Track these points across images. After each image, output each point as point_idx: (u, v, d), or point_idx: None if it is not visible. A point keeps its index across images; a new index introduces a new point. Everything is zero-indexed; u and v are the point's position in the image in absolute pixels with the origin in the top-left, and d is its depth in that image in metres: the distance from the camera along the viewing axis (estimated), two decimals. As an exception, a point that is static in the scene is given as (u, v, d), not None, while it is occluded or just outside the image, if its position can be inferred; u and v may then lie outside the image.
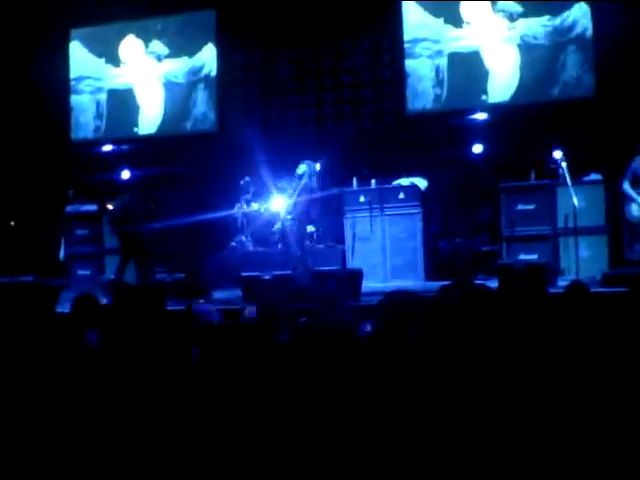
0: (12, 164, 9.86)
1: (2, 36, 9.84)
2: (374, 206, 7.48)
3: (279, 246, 7.13)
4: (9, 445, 2.22)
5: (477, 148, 8.42)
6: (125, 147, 9.72)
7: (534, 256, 7.07)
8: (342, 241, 7.71)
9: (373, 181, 7.81)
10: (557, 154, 6.92)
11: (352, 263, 7.42)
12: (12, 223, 9.68)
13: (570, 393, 2.72)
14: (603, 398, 2.63)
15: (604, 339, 3.29)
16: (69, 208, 8.86)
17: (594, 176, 7.20)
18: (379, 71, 9.44)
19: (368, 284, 6.72)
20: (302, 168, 6.93)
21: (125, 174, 8.52)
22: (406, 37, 9.12)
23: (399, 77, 9.18)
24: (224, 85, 9.90)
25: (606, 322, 3.66)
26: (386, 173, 7.93)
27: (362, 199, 7.58)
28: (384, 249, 7.48)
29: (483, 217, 8.09)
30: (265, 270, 6.80)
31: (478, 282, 5.55)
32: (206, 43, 9.90)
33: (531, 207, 7.23)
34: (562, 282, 5.95)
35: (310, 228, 7.58)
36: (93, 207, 8.69)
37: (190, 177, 9.08)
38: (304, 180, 6.91)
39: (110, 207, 7.61)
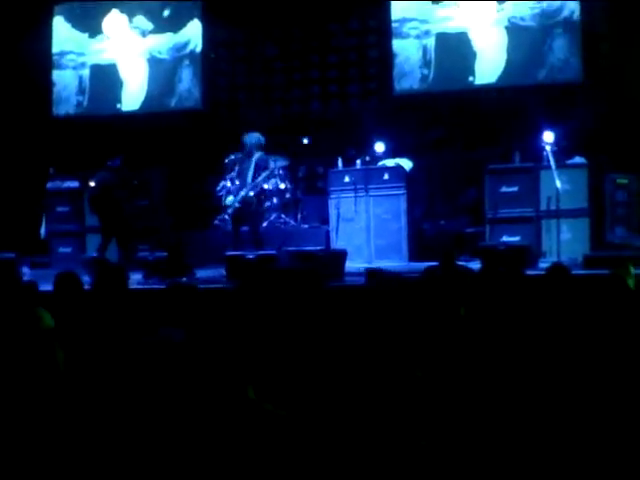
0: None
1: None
2: (359, 186, 7.46)
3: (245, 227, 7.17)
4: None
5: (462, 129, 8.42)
6: (108, 123, 9.57)
7: (517, 238, 7.11)
8: (327, 221, 7.69)
9: (358, 161, 7.78)
10: (547, 136, 6.95)
11: (336, 243, 7.42)
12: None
13: (550, 372, 2.74)
14: (583, 378, 2.66)
15: (584, 320, 3.32)
16: (50, 185, 8.74)
17: (578, 159, 7.23)
18: (366, 51, 9.37)
19: (352, 264, 6.73)
20: (252, 138, 6.97)
21: (107, 150, 8.41)
22: (394, 17, 9.05)
23: (386, 57, 9.13)
24: (209, 62, 9.77)
25: (586, 303, 3.70)
26: (372, 154, 7.91)
27: (347, 179, 7.56)
28: (368, 229, 7.48)
29: (467, 199, 8.11)
30: (247, 249, 6.79)
31: (461, 263, 5.59)
32: (191, 19, 9.76)
33: (515, 189, 7.25)
34: (543, 264, 5.98)
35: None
36: (75, 184, 8.57)
37: (174, 154, 8.99)
38: (256, 155, 6.95)
39: (92, 184, 7.52)
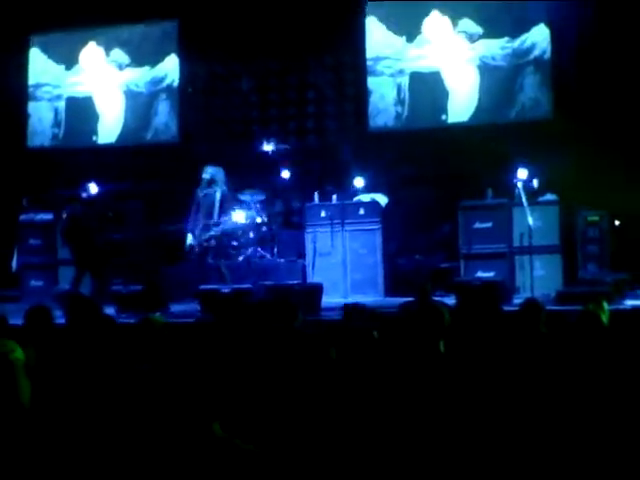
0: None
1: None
2: (335, 221, 7.50)
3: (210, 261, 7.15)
4: None
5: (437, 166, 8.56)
6: (83, 156, 9.53)
7: (491, 274, 7.18)
8: (303, 256, 7.70)
9: (334, 196, 7.84)
10: (521, 173, 7.10)
11: (312, 278, 7.41)
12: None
13: (523, 404, 2.76)
14: (558, 412, 2.68)
15: (559, 356, 3.36)
16: (23, 217, 8.62)
17: (549, 196, 7.38)
18: (342, 88, 9.52)
19: (328, 299, 6.72)
20: (209, 172, 7.01)
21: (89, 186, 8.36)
22: (369, 55, 9.24)
23: (361, 94, 9.28)
24: (186, 96, 9.83)
25: (560, 339, 3.74)
26: (347, 189, 7.98)
27: (323, 214, 7.60)
28: (344, 264, 7.49)
29: (442, 234, 8.20)
30: (225, 283, 6.75)
31: (436, 299, 5.61)
32: (169, 53, 9.84)
33: (488, 225, 7.36)
34: (517, 300, 6.05)
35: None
36: (48, 216, 8.46)
37: (150, 187, 8.95)
38: (218, 189, 6.99)
39: (65, 216, 7.44)
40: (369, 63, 9.23)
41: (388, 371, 3.02)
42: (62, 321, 4.46)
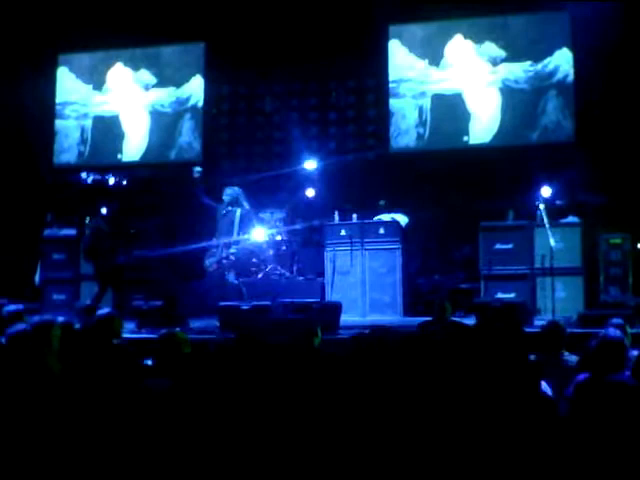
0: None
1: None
2: (355, 240, 7.51)
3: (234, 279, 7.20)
4: None
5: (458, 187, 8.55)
6: (108, 173, 9.69)
7: (511, 295, 7.12)
8: (322, 274, 7.70)
9: (355, 215, 7.86)
10: (545, 191, 7.08)
11: (331, 296, 7.41)
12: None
13: (543, 429, 2.72)
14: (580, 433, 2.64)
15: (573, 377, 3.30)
16: (47, 232, 8.76)
17: (571, 218, 7.32)
18: (364, 109, 9.60)
19: (347, 318, 6.71)
20: (229, 193, 7.08)
21: (106, 199, 8.48)
22: (391, 77, 9.31)
23: (383, 116, 9.34)
24: (210, 116, 9.98)
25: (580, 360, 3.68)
26: (368, 208, 8.00)
27: (343, 233, 7.62)
28: (363, 283, 7.48)
29: (462, 255, 8.16)
30: (244, 300, 6.77)
31: (455, 319, 5.57)
32: (194, 74, 10.01)
33: (509, 246, 7.31)
34: (538, 321, 5.98)
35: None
36: (72, 231, 8.59)
37: (172, 205, 9.06)
38: (238, 208, 7.05)
39: (87, 232, 7.55)
40: (391, 85, 9.30)
41: (407, 390, 2.99)
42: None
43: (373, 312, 7.33)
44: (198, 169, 7.21)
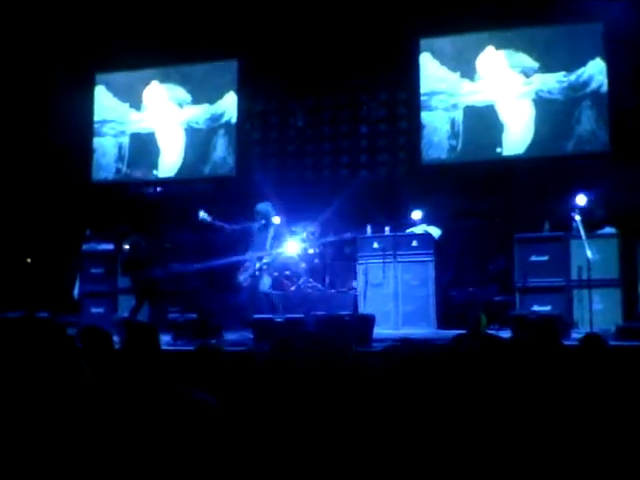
0: (32, 202, 10.05)
1: (30, 78, 10.17)
2: (387, 253, 7.52)
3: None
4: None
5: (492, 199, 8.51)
6: (146, 189, 9.91)
7: (547, 307, 7.02)
8: (355, 287, 7.71)
9: (387, 228, 7.87)
10: (580, 199, 7.00)
11: (364, 309, 7.41)
12: (29, 260, 9.80)
13: (583, 445, 2.68)
14: (617, 452, 2.59)
15: (619, 392, 3.24)
16: (85, 247, 8.97)
17: (608, 229, 7.21)
18: (396, 122, 9.62)
19: (379, 330, 6.70)
20: (260, 209, 7.15)
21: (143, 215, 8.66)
22: (423, 90, 9.32)
23: (415, 128, 9.35)
24: (243, 132, 10.13)
25: (621, 375, 3.61)
26: (400, 221, 8.01)
27: (376, 245, 7.63)
28: (396, 296, 7.47)
29: (496, 267, 8.09)
30: (277, 313, 6.83)
31: (491, 332, 5.52)
32: (227, 91, 10.18)
33: (545, 258, 7.23)
34: (576, 334, 5.89)
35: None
36: (109, 246, 8.78)
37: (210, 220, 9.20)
38: (271, 223, 7.11)
39: (126, 247, 7.72)
40: (423, 98, 9.31)
41: (441, 405, 2.98)
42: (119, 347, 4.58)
43: (406, 325, 7.31)
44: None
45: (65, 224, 9.84)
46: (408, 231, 7.82)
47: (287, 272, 7.66)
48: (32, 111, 10.29)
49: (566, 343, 5.61)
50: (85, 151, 10.70)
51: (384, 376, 3.42)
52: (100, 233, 9.09)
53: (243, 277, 7.18)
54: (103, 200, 10.05)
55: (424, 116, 9.30)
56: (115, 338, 4.57)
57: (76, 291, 8.73)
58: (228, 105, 10.18)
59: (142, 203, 9.29)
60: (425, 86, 9.32)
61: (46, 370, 2.99)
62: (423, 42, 9.34)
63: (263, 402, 2.82)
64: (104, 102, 10.77)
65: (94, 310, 8.53)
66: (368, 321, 6.52)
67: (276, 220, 7.44)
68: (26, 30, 9.69)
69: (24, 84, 10.09)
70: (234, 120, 10.13)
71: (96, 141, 10.76)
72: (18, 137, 10.17)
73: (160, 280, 7.34)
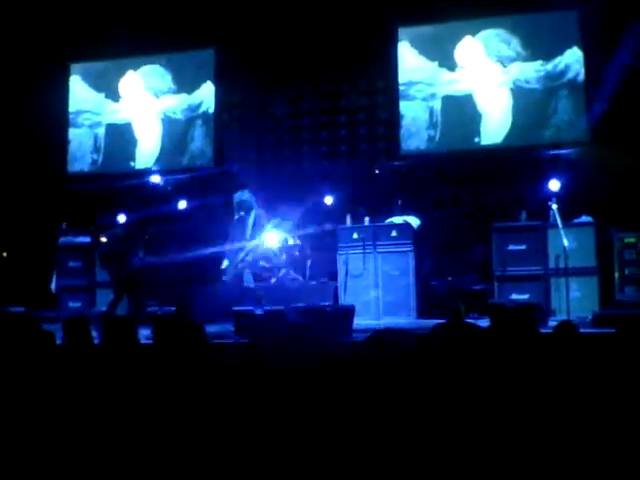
0: (7, 195, 9.89)
1: (3, 68, 9.97)
2: (367, 243, 7.52)
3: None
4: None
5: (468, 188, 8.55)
6: (121, 180, 9.78)
7: (525, 296, 7.10)
8: (335, 277, 7.72)
9: (367, 218, 7.87)
10: (553, 185, 7.06)
11: (344, 299, 7.42)
12: (4, 254, 9.66)
13: (556, 432, 2.71)
14: (589, 438, 2.63)
15: (592, 379, 3.29)
16: (62, 240, 8.85)
17: (585, 218, 7.29)
18: (374, 112, 9.61)
19: (360, 321, 6.72)
20: (239, 197, 7.11)
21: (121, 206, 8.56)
22: (401, 80, 9.31)
23: (394, 118, 9.35)
24: (221, 122, 10.04)
25: (595, 363, 3.66)
26: (379, 211, 8.01)
27: (355, 236, 7.63)
28: (376, 286, 7.49)
29: (474, 256, 8.14)
30: (257, 305, 6.80)
31: (469, 321, 5.56)
32: (205, 81, 10.08)
33: (522, 247, 7.29)
34: (553, 322, 5.95)
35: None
36: (86, 239, 8.68)
37: (185, 211, 9.13)
38: (250, 213, 7.09)
39: (103, 239, 7.64)
40: (401, 88, 9.30)
41: (421, 393, 2.99)
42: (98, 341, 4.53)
43: (387, 315, 7.33)
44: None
45: (41, 217, 9.71)
46: (387, 221, 7.83)
47: (267, 264, 7.63)
48: (5, 102, 10.10)
49: (543, 331, 5.69)
50: (60, 142, 10.53)
51: (365, 366, 3.43)
52: (77, 225, 8.98)
53: (225, 267, 7.16)
54: (78, 192, 9.91)
55: (403, 106, 9.29)
56: (94, 333, 4.53)
57: (53, 285, 8.63)
58: (206, 95, 10.08)
59: (118, 194, 9.18)
60: (403, 75, 9.31)
61: (19, 365, 2.95)
62: (401, 31, 9.32)
63: (246, 396, 2.81)
64: (79, 92, 10.60)
65: (72, 304, 8.44)
66: (348, 312, 6.53)
67: (256, 209, 7.41)
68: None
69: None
70: (212, 110, 10.03)
71: (71, 132, 10.60)
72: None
73: (139, 273, 7.28)
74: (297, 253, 7.87)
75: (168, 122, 10.22)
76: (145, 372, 3.72)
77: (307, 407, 2.95)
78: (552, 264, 7.05)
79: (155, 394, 2.93)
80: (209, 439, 2.17)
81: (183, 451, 2.18)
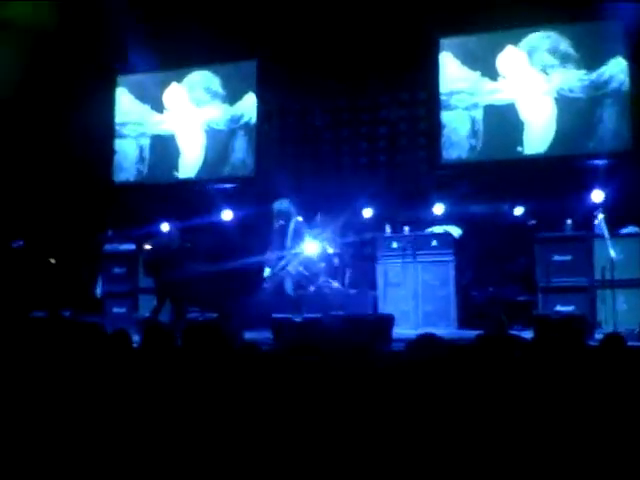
0: (55, 203, 10.17)
1: (51, 80, 10.29)
2: (407, 252, 7.49)
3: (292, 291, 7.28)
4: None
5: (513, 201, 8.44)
6: (165, 190, 9.98)
7: (571, 308, 6.94)
8: (374, 286, 7.70)
9: (406, 228, 7.84)
10: (596, 196, 6.91)
11: (384, 309, 7.39)
12: (53, 260, 9.92)
13: (602, 444, 2.64)
14: (635, 451, 2.55)
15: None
16: (107, 247, 9.06)
17: (631, 229, 7.11)
18: (415, 122, 9.59)
19: (399, 330, 6.67)
20: (279, 205, 7.13)
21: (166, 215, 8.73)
22: (443, 90, 9.27)
23: (435, 128, 9.30)
24: (262, 132, 10.16)
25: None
26: (420, 220, 7.97)
27: (395, 245, 7.60)
28: (416, 296, 7.44)
29: (517, 267, 8.01)
30: (297, 312, 6.83)
31: (513, 333, 5.46)
32: (247, 92, 10.21)
33: (567, 258, 7.14)
34: (599, 335, 5.81)
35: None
36: (131, 247, 8.87)
37: (227, 220, 9.24)
38: (290, 221, 7.10)
39: (147, 247, 7.78)
40: (443, 97, 9.26)
41: (464, 403, 2.96)
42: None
43: (426, 325, 7.26)
44: None
45: (87, 225, 9.95)
46: (428, 231, 7.78)
47: (306, 272, 7.66)
48: (54, 113, 10.41)
49: (590, 343, 5.55)
50: (107, 153, 10.80)
51: (407, 374, 3.40)
52: (122, 233, 9.19)
53: (266, 275, 7.21)
54: (124, 201, 10.14)
55: (444, 115, 9.24)
56: (135, 337, 4.60)
57: (98, 291, 8.83)
58: (248, 106, 10.21)
59: (161, 204, 9.36)
60: (445, 85, 9.26)
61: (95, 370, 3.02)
62: (443, 41, 9.29)
63: (285, 401, 2.83)
64: (125, 104, 10.87)
65: (116, 310, 8.62)
66: (388, 321, 6.50)
67: (295, 218, 7.46)
68: (49, 34, 9.81)
69: (47, 87, 10.21)
70: (253, 121, 10.16)
71: (117, 143, 10.85)
72: (41, 140, 10.30)
73: (182, 280, 7.38)
74: (336, 261, 7.88)
75: (211, 133, 10.39)
76: (178, 376, 3.76)
77: (348, 414, 2.94)
78: (598, 275, 6.89)
79: (186, 396, 2.96)
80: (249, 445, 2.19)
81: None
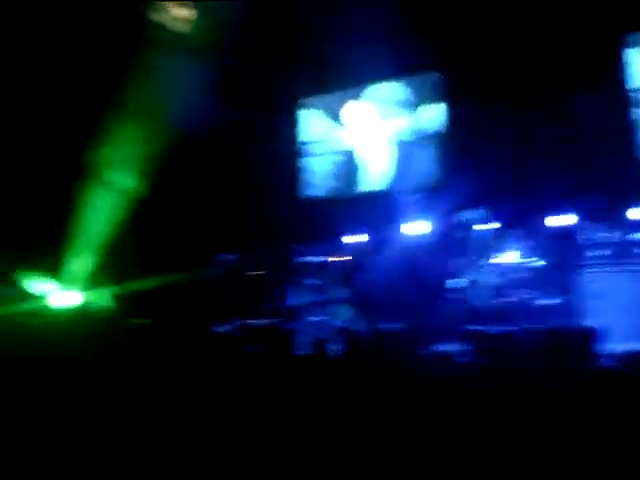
0: (247, 219, 10.98)
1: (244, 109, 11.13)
2: (613, 261, 6.97)
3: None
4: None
5: None
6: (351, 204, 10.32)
7: None
8: (575, 297, 7.26)
9: (609, 234, 7.30)
10: None
11: (586, 321, 6.93)
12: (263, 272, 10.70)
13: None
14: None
15: None
16: (299, 259, 9.56)
17: None
18: (607, 123, 8.96)
19: (603, 345, 6.21)
20: (471, 215, 6.90)
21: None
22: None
23: (629, 127, 8.58)
24: (449, 142, 10.10)
25: None
26: (624, 225, 7.39)
27: (598, 253, 7.12)
28: (623, 307, 6.89)
29: None
30: (492, 324, 6.66)
31: None
32: (433, 101, 10.23)
33: None
34: None
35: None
36: (320, 259, 9.28)
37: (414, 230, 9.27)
38: (485, 230, 6.86)
39: (344, 258, 8.07)
40: (631, 94, 8.56)
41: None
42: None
43: (635, 339, 6.68)
44: None
45: (278, 239, 10.57)
46: (636, 236, 7.18)
47: (504, 282, 7.44)
48: (244, 134, 11.28)
49: None
50: (293, 170, 11.41)
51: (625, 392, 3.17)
52: (310, 246, 9.64)
53: (458, 286, 7.14)
54: (312, 215, 10.64)
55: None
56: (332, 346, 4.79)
57: (291, 300, 9.33)
58: (434, 115, 10.23)
59: (350, 216, 9.67)
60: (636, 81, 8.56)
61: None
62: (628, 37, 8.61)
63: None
64: (309, 123, 11.42)
65: (310, 318, 9.03)
66: (590, 335, 6.09)
67: (485, 227, 7.30)
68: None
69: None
70: (441, 131, 10.14)
71: (303, 161, 11.41)
72: (231, 162, 11.22)
73: (377, 289, 7.52)
74: (534, 270, 7.57)
75: (396, 145, 10.55)
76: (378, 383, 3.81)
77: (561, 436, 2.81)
78: None
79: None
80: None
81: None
